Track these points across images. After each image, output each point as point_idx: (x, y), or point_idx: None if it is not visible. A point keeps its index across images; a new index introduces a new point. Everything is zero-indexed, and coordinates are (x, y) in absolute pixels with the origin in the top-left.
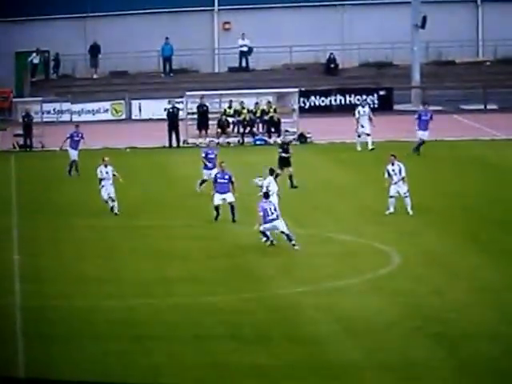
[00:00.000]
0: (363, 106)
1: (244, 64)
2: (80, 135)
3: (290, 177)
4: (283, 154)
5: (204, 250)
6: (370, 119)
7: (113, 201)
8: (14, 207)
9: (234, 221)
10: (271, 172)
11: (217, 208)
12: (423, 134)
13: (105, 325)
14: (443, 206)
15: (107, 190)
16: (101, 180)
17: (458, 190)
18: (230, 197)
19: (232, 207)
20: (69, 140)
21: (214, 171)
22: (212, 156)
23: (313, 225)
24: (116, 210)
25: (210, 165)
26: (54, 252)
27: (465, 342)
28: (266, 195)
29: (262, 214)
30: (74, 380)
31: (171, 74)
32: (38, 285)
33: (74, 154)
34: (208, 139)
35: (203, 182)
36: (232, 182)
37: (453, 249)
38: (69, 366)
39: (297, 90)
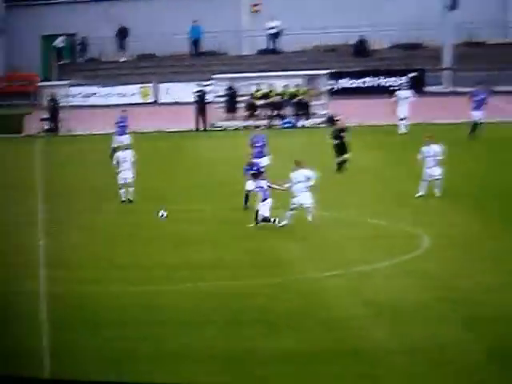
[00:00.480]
0: (402, 90)
1: (273, 46)
2: (125, 120)
3: (343, 162)
4: (337, 141)
5: (231, 234)
6: (409, 103)
7: (129, 187)
8: (40, 192)
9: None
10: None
11: (247, 194)
12: (476, 115)
13: (132, 310)
14: (475, 189)
15: (124, 175)
16: (118, 164)
17: (488, 172)
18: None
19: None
20: (115, 125)
21: (265, 160)
22: (259, 144)
23: (342, 208)
24: (130, 197)
25: (255, 152)
26: (81, 237)
27: (494, 325)
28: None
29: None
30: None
31: (199, 57)
32: (65, 270)
33: (120, 140)
34: (257, 122)
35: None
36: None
37: (483, 232)
38: (94, 352)
39: (326, 71)
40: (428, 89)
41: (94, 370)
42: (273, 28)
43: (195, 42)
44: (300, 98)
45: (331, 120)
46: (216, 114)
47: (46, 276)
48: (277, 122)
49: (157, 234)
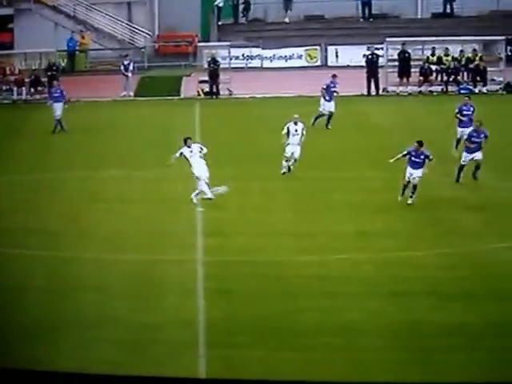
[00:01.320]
0: None
1: (448, 10)
2: (334, 85)
3: None
4: None
5: (402, 203)
6: None
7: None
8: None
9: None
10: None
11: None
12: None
13: (297, 280)
14: None
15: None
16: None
17: None
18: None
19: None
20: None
21: (469, 129)
22: (468, 112)
23: None
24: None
25: (465, 120)
26: (239, 205)
27: None
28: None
29: None
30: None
31: (371, 19)
32: (222, 239)
33: (330, 106)
34: (431, 88)
35: (458, 142)
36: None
37: None
38: (254, 323)
39: (504, 37)
40: None
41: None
42: None
43: (366, 4)
44: (477, 63)
45: (509, 87)
46: (389, 79)
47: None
48: (453, 87)
49: (323, 201)
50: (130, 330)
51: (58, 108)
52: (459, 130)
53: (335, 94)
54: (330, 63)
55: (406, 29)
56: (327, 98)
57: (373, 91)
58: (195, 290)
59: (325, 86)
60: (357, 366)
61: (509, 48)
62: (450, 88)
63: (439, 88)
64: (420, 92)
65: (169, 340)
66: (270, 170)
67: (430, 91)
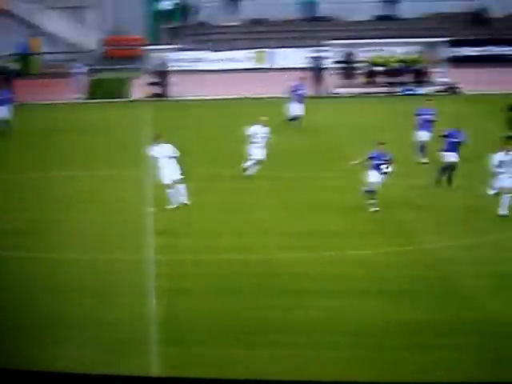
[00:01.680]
0: None
1: (390, 12)
2: (301, 88)
3: None
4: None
5: (351, 203)
6: None
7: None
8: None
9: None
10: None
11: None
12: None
13: (250, 279)
14: None
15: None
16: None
17: None
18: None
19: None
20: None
21: (428, 133)
22: (427, 115)
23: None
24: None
25: (422, 124)
26: (196, 204)
27: None
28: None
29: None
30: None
31: (315, 22)
32: (174, 238)
33: (297, 109)
34: (375, 89)
35: (422, 147)
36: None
37: None
38: (208, 321)
39: (446, 39)
40: None
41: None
42: None
43: (308, 7)
44: (420, 65)
45: (451, 88)
46: (334, 81)
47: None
48: (397, 89)
49: (279, 200)
50: (84, 329)
51: (3, 111)
52: (418, 133)
53: (302, 97)
54: (276, 65)
55: (351, 31)
56: (296, 100)
57: (319, 92)
58: (148, 289)
59: (293, 89)
60: (311, 364)
61: (451, 50)
62: (394, 89)
63: (384, 89)
64: (364, 93)
65: (122, 338)
66: (227, 169)
67: (374, 93)
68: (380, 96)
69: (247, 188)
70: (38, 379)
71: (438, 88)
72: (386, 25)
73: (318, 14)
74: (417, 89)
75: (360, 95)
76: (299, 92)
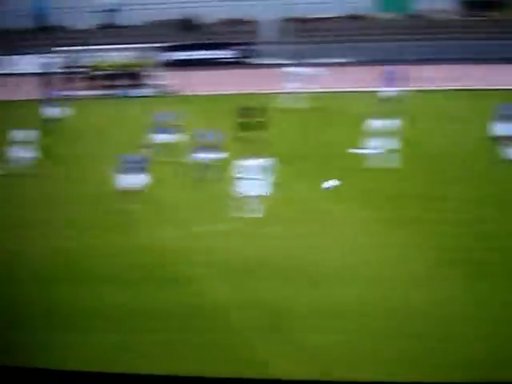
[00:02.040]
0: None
1: (111, 21)
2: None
3: None
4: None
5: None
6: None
7: None
8: None
9: None
10: None
11: None
12: None
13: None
14: None
15: None
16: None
17: None
18: None
19: None
20: None
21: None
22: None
23: None
24: None
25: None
26: None
27: None
28: None
29: None
30: None
31: (42, 31)
32: None
33: None
34: (94, 92)
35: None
36: None
37: None
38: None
39: (161, 45)
40: (254, 61)
41: None
42: (111, 4)
43: (38, 16)
44: (137, 69)
45: (165, 90)
46: (60, 85)
47: None
48: (116, 91)
49: None
50: None
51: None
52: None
53: None
54: (9, 71)
55: (73, 39)
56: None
57: (46, 95)
58: None
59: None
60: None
61: (164, 54)
62: (114, 91)
63: (104, 92)
64: (87, 95)
65: None
66: None
67: (96, 95)
68: (101, 97)
69: None
70: None
71: (154, 90)
72: (106, 33)
73: (47, 24)
74: (134, 91)
75: (83, 97)
76: None
